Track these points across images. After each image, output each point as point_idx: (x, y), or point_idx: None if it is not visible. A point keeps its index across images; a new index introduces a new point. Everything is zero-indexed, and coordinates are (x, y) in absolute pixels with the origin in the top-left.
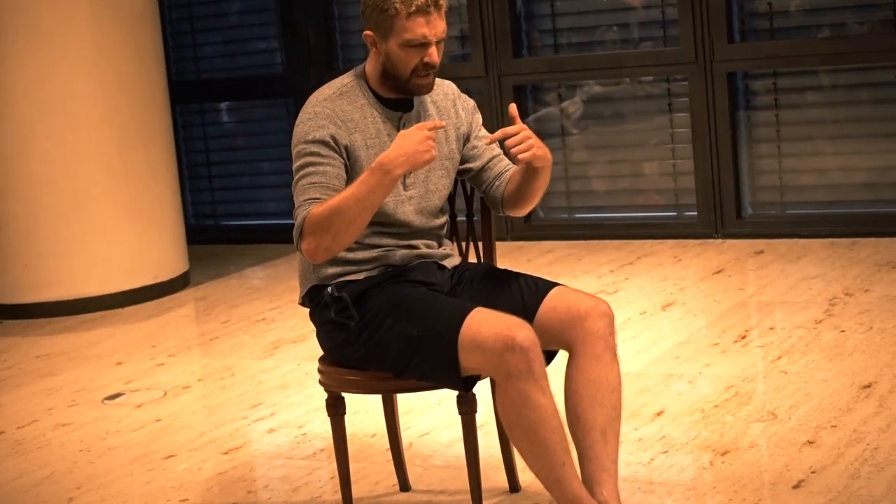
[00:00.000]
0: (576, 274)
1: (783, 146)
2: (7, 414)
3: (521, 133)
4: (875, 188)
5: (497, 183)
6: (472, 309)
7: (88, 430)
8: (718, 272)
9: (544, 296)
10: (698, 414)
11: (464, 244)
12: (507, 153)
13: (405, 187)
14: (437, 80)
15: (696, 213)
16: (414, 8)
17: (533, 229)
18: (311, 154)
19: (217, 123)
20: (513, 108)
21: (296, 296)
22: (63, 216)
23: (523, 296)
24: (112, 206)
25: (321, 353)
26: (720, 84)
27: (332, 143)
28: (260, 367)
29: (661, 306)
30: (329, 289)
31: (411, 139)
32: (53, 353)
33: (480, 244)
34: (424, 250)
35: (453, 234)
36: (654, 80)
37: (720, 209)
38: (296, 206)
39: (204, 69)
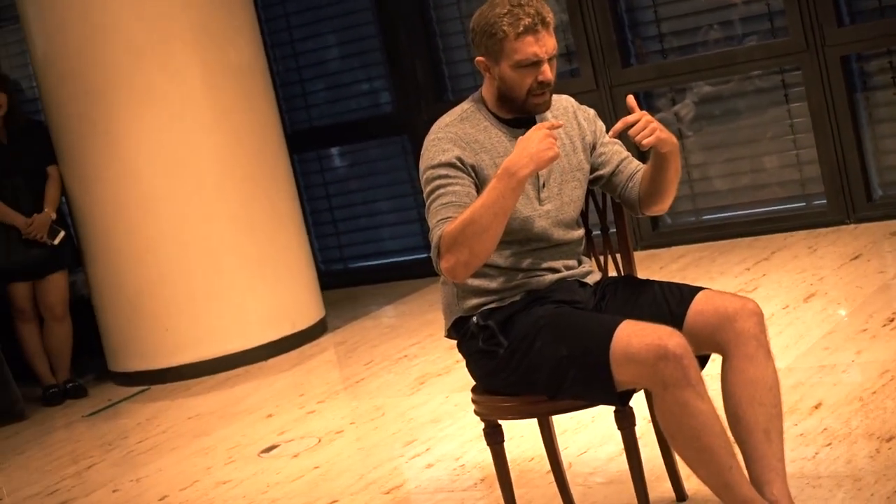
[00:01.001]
0: (712, 276)
1: None
2: (167, 477)
3: (642, 119)
4: None
5: (630, 184)
6: (619, 322)
7: (249, 486)
8: (856, 258)
9: (690, 301)
10: (857, 402)
11: (601, 258)
12: (631, 150)
13: (541, 201)
14: (554, 96)
15: (825, 201)
16: (522, 28)
17: (662, 236)
18: (440, 177)
19: (335, 168)
20: (631, 99)
21: (433, 329)
22: (196, 276)
23: (669, 304)
24: (243, 260)
25: (470, 383)
26: (834, 69)
27: (458, 164)
28: (409, 404)
29: (802, 298)
30: (475, 318)
31: (532, 140)
32: (204, 413)
33: (618, 256)
34: (565, 272)
35: (590, 250)
36: (764, 74)
37: (849, 194)
38: (430, 229)
39: (316, 116)
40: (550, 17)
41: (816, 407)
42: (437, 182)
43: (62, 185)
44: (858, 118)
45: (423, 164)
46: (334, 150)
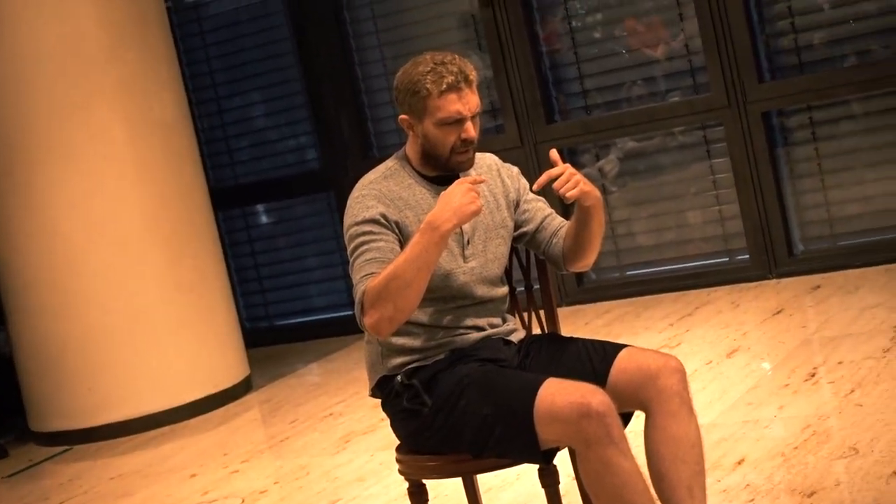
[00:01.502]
0: (636, 331)
1: (826, 178)
2: None
3: (566, 172)
4: None
5: (555, 240)
6: (543, 381)
7: None
8: (778, 312)
9: (613, 358)
10: (779, 458)
11: (525, 315)
12: (555, 205)
13: (465, 258)
14: (478, 153)
15: (748, 256)
16: (445, 86)
17: (587, 292)
18: (364, 234)
19: (259, 225)
20: (554, 153)
21: (358, 387)
22: (120, 334)
23: (592, 361)
24: (167, 319)
25: (394, 441)
26: (756, 124)
27: (382, 220)
28: (334, 463)
29: (726, 354)
30: (399, 377)
31: (455, 194)
32: (127, 473)
33: (542, 312)
34: (489, 330)
35: (514, 307)
36: (687, 129)
37: (772, 249)
38: (354, 285)
39: (241, 173)
40: (473, 75)
41: (739, 463)
42: (361, 238)
43: None
44: (780, 173)
45: (346, 220)
46: (260, 207)
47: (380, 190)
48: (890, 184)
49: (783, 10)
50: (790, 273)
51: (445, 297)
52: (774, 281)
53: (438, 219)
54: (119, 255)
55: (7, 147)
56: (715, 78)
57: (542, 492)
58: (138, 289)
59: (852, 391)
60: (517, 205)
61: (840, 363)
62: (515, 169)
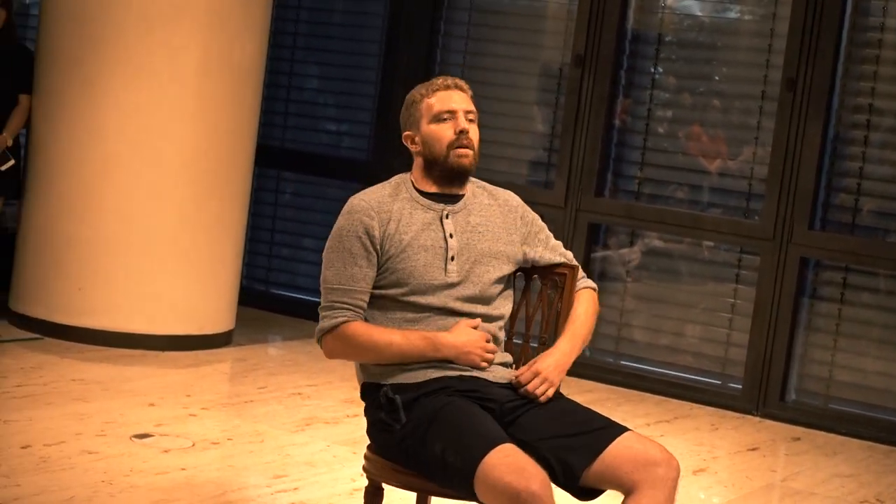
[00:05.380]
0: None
1: (839, 340)
2: (36, 429)
3: (531, 382)
4: None
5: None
6: (497, 445)
7: (113, 463)
8: (753, 449)
9: (618, 434)
10: None
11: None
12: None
13: (446, 272)
14: (501, 189)
15: (740, 387)
16: (435, 87)
17: (577, 366)
18: (344, 251)
19: (290, 193)
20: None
21: (332, 378)
22: (126, 249)
23: (595, 431)
24: (175, 249)
25: (352, 439)
26: (792, 266)
27: (366, 238)
28: (290, 440)
29: (692, 470)
30: (385, 389)
31: (473, 339)
32: (88, 380)
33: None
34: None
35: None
36: (724, 248)
37: (765, 388)
38: (325, 293)
39: (289, 138)
40: (466, 87)
41: None
42: (340, 255)
43: (28, 116)
44: (798, 319)
45: (335, 228)
46: (295, 176)
47: (369, 202)
48: (892, 365)
49: (854, 169)
50: (776, 417)
51: (426, 306)
52: (758, 419)
53: (444, 345)
54: (152, 175)
55: (82, 36)
56: (768, 209)
57: None
58: (159, 212)
59: None
60: (525, 241)
61: None
62: (531, 213)
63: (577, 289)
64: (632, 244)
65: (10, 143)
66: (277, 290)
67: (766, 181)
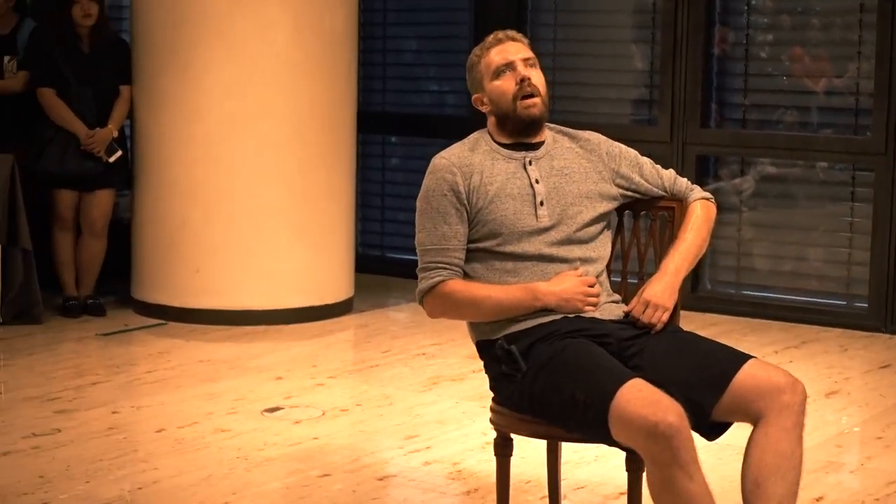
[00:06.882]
0: None
1: None
2: (168, 412)
3: (644, 313)
4: None
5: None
6: (626, 381)
7: (247, 439)
8: (885, 367)
9: (742, 363)
10: None
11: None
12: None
13: (537, 217)
14: (581, 132)
15: (866, 305)
16: (488, 44)
17: (699, 300)
18: (433, 211)
19: (396, 157)
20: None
21: (456, 335)
22: (239, 228)
23: (721, 362)
24: (288, 224)
25: (481, 394)
26: None
27: (451, 196)
28: (418, 401)
29: (824, 394)
30: (499, 342)
31: (573, 285)
32: (216, 360)
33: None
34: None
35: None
36: (834, 167)
37: (892, 303)
38: (421, 256)
39: (389, 101)
40: (519, 36)
41: (818, 500)
42: (431, 216)
43: (131, 106)
44: None
45: (422, 189)
46: (400, 140)
47: (450, 159)
48: None
49: None
50: None
51: (522, 254)
52: (888, 336)
53: (544, 293)
54: (257, 150)
55: (175, 22)
56: (878, 123)
57: (617, 477)
58: (268, 187)
59: None
60: (617, 174)
61: None
62: (622, 148)
63: (689, 200)
64: (743, 173)
65: (115, 134)
66: (393, 253)
67: (874, 95)
